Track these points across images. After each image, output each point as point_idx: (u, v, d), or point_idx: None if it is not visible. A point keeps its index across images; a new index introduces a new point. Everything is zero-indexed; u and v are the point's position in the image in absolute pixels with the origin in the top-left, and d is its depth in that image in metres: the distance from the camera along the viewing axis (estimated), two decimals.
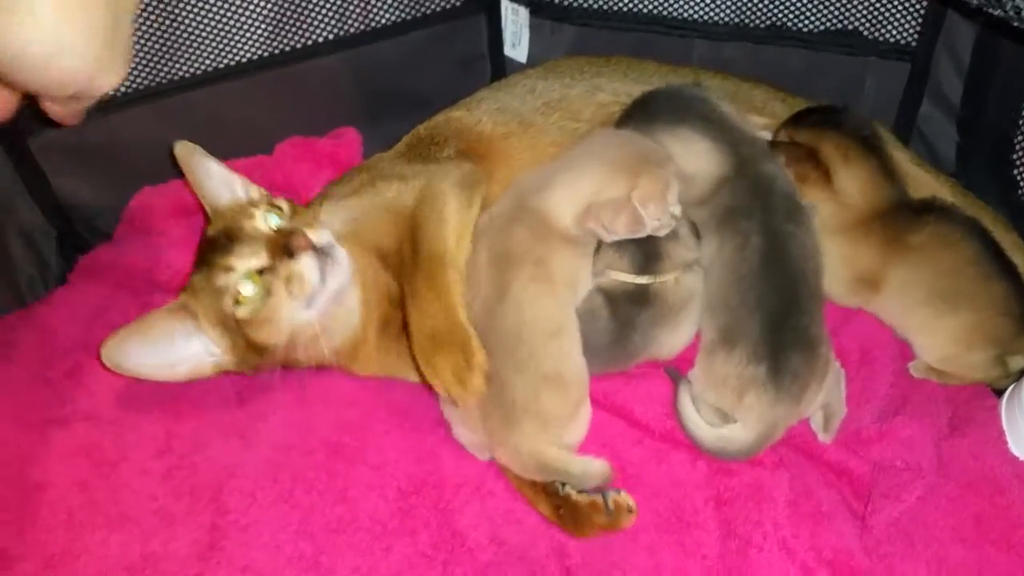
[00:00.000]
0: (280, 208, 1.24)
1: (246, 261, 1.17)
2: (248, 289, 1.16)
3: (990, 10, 0.93)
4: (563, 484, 1.17)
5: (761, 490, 1.19)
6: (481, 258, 1.25)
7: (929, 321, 1.32)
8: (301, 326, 1.20)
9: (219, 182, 1.30)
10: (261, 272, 1.17)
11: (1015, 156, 1.48)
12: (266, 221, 1.21)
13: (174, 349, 1.21)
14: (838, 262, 1.34)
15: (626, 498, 1.17)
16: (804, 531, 1.16)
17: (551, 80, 1.54)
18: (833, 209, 1.36)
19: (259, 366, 1.24)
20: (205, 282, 1.19)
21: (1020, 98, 1.44)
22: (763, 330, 1.18)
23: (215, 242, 1.20)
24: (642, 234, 1.23)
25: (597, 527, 1.15)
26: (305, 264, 1.17)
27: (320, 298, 1.20)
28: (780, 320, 1.18)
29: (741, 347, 1.18)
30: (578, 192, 1.25)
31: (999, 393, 1.31)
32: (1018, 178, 1.49)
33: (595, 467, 1.17)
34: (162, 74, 1.52)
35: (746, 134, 1.34)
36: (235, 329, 1.19)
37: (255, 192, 1.31)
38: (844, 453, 1.24)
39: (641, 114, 1.37)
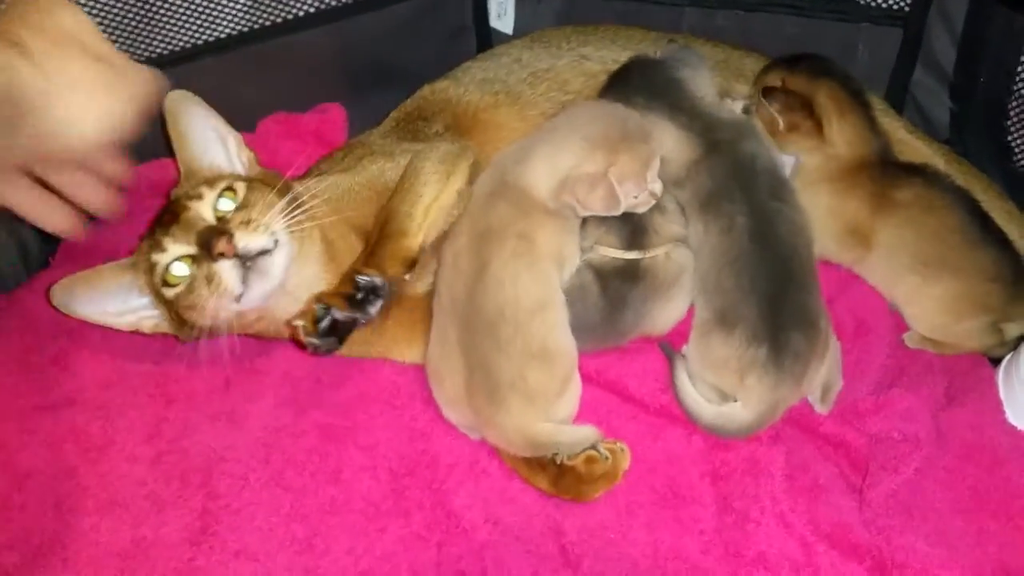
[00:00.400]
0: (234, 192, 1.21)
1: (178, 246, 1.17)
2: (179, 270, 1.17)
3: None
4: (556, 454, 1.16)
5: (758, 464, 1.18)
6: (462, 240, 1.23)
7: (916, 289, 1.32)
8: (231, 314, 1.18)
9: (206, 138, 1.29)
10: (194, 257, 1.16)
11: (1009, 123, 1.47)
12: (213, 207, 1.19)
13: (117, 301, 1.24)
14: (826, 215, 1.33)
15: (615, 442, 1.17)
16: (801, 505, 1.15)
17: (537, 50, 1.52)
18: (819, 160, 1.36)
19: (197, 337, 1.21)
20: (147, 251, 1.19)
21: (1014, 64, 1.42)
22: (761, 311, 1.16)
23: (164, 213, 1.20)
24: (617, 211, 1.22)
25: (600, 479, 1.15)
26: (223, 269, 1.15)
27: (246, 299, 1.18)
28: (778, 299, 1.17)
29: (740, 329, 1.16)
30: (556, 166, 1.24)
31: (996, 363, 1.31)
32: (1012, 145, 1.47)
33: (584, 433, 1.17)
34: (140, 50, 1.49)
35: (719, 118, 1.32)
36: (167, 302, 1.19)
37: (244, 156, 1.30)
38: (841, 425, 1.23)
39: (617, 93, 1.35)
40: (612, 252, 1.27)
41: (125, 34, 1.46)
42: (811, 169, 1.36)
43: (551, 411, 1.16)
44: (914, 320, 1.34)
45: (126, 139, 0.95)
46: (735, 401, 1.19)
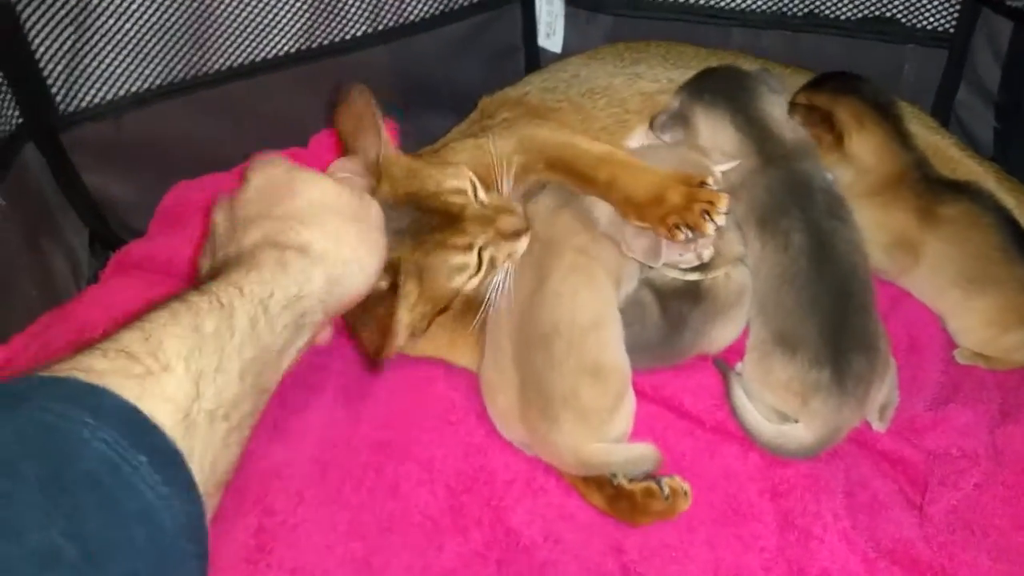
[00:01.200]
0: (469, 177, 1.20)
1: (476, 238, 1.15)
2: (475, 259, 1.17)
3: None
4: (614, 474, 1.16)
5: (818, 481, 1.17)
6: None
7: (960, 303, 1.32)
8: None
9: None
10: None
11: None
12: (479, 203, 1.19)
13: None
14: (873, 228, 1.34)
15: (680, 482, 1.15)
16: (862, 522, 1.14)
17: (594, 66, 1.53)
18: (852, 175, 1.37)
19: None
20: (429, 260, 1.15)
21: None
22: (822, 333, 1.16)
23: (422, 220, 1.15)
24: (656, 264, 1.22)
25: (654, 514, 1.14)
26: (525, 241, 1.19)
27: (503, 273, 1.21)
28: (839, 321, 1.17)
29: (802, 352, 1.16)
30: None
31: None
32: None
33: (640, 451, 1.16)
34: (197, 67, 1.50)
35: (780, 135, 1.33)
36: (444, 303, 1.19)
37: None
38: (898, 442, 1.22)
39: (695, 84, 1.38)
40: (674, 273, 1.27)
41: (183, 50, 1.48)
42: (848, 184, 1.37)
43: (605, 429, 1.15)
44: (959, 334, 1.34)
45: None
46: (796, 422, 1.19)
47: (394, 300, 1.08)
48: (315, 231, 0.92)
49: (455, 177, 1.17)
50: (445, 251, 1.14)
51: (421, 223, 1.13)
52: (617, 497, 1.15)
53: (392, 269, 1.08)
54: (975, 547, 1.11)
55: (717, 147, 1.33)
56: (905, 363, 1.30)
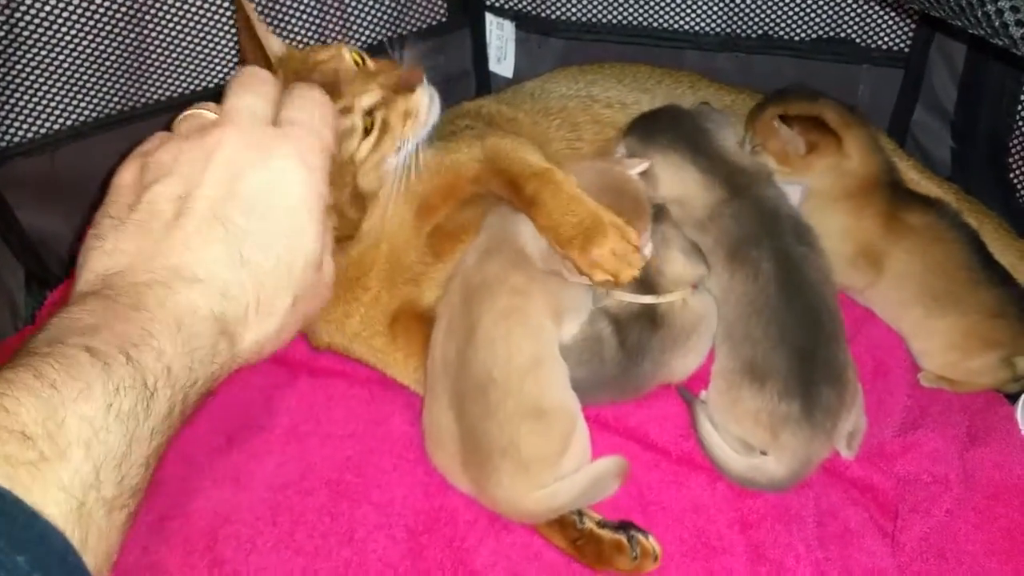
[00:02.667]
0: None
1: (362, 98, 1.09)
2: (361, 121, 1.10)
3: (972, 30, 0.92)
4: (580, 515, 1.12)
5: (788, 511, 1.15)
6: (455, 298, 1.19)
7: (922, 322, 1.31)
8: (387, 176, 1.16)
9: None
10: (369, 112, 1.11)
11: (1011, 160, 1.48)
12: (359, 58, 1.13)
13: None
14: (840, 237, 1.33)
15: (654, 543, 1.11)
16: (835, 552, 1.12)
17: (548, 88, 1.51)
18: (833, 179, 1.36)
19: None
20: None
21: (1014, 102, 1.43)
22: (791, 364, 1.14)
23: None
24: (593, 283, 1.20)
25: (617, 569, 1.10)
26: (422, 95, 1.14)
27: (412, 142, 1.16)
28: (808, 352, 1.15)
29: (771, 383, 1.14)
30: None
31: (1011, 398, 1.29)
32: (1015, 181, 1.48)
33: (592, 478, 1.13)
34: (135, 98, 1.45)
35: (740, 164, 1.32)
36: (347, 181, 1.12)
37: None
38: (867, 469, 1.20)
39: (642, 131, 1.35)
40: (627, 296, 1.24)
41: (120, 81, 1.42)
42: (825, 189, 1.36)
43: (550, 475, 1.11)
44: (922, 356, 1.33)
45: None
46: (763, 453, 1.16)
47: None
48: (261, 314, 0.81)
49: (324, 49, 1.12)
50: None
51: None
52: (582, 541, 1.11)
53: None
54: (948, 574, 1.09)
55: (678, 189, 1.31)
56: (871, 388, 1.29)
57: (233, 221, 0.79)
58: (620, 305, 1.25)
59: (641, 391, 1.26)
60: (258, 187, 0.81)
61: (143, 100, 1.46)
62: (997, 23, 0.87)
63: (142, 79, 1.44)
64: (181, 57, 1.46)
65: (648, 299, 1.24)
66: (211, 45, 1.48)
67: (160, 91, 1.47)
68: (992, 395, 1.31)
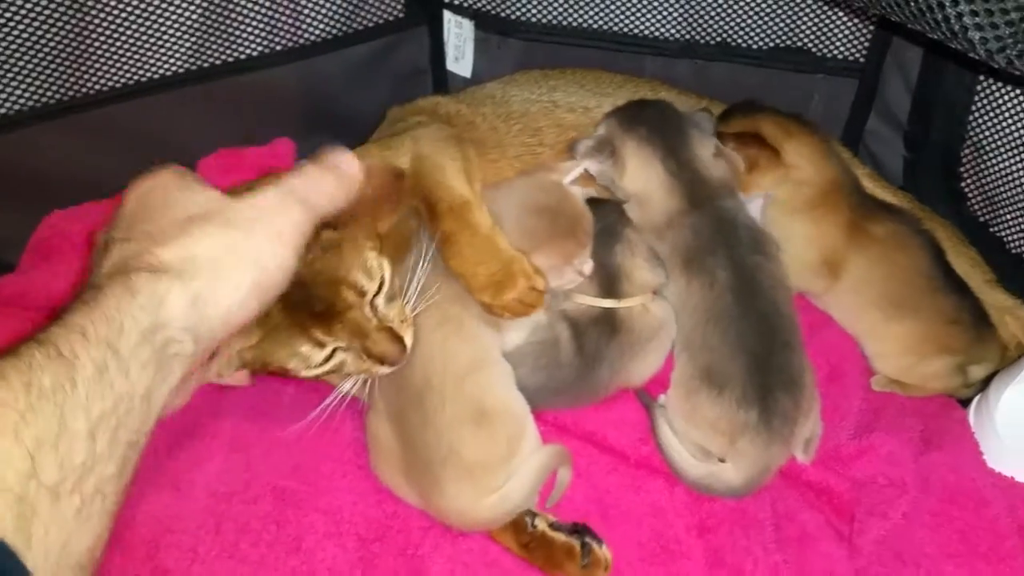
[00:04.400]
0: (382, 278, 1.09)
1: (338, 343, 1.05)
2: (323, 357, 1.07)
3: (930, 34, 0.93)
4: (533, 517, 1.10)
5: (746, 515, 1.15)
6: None
7: (877, 326, 1.32)
8: None
9: None
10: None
11: (962, 169, 1.50)
12: (370, 310, 1.06)
13: None
14: (803, 244, 1.33)
15: (605, 553, 1.09)
16: (792, 556, 1.11)
17: (510, 91, 1.49)
18: (791, 190, 1.35)
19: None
20: (282, 331, 1.04)
21: (966, 111, 1.45)
22: (749, 372, 1.14)
23: (311, 302, 1.03)
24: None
25: (567, 574, 1.08)
26: (385, 371, 1.10)
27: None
28: (764, 359, 1.15)
29: (729, 390, 1.14)
30: None
31: (964, 403, 1.30)
32: (966, 190, 1.50)
33: (544, 465, 1.11)
34: (75, 87, 1.40)
35: (707, 176, 1.31)
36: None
37: None
38: (824, 472, 1.20)
39: (626, 116, 1.35)
40: (588, 300, 1.23)
41: (61, 68, 1.37)
42: (786, 199, 1.36)
43: (498, 480, 1.08)
44: (878, 359, 1.34)
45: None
46: (722, 461, 1.16)
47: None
48: (172, 247, 0.77)
49: (367, 272, 1.05)
50: (302, 335, 1.04)
51: (304, 298, 1.01)
52: (533, 544, 1.09)
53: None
54: None
55: (640, 184, 1.30)
56: (826, 391, 1.28)
57: None
58: (579, 309, 1.24)
59: (599, 396, 1.25)
60: None
61: (85, 89, 1.41)
62: (957, 27, 0.88)
63: (84, 67, 1.39)
64: (127, 44, 1.41)
65: (609, 303, 1.23)
66: (160, 31, 1.43)
67: (104, 80, 1.42)
68: (944, 399, 1.33)
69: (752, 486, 1.15)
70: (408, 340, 1.09)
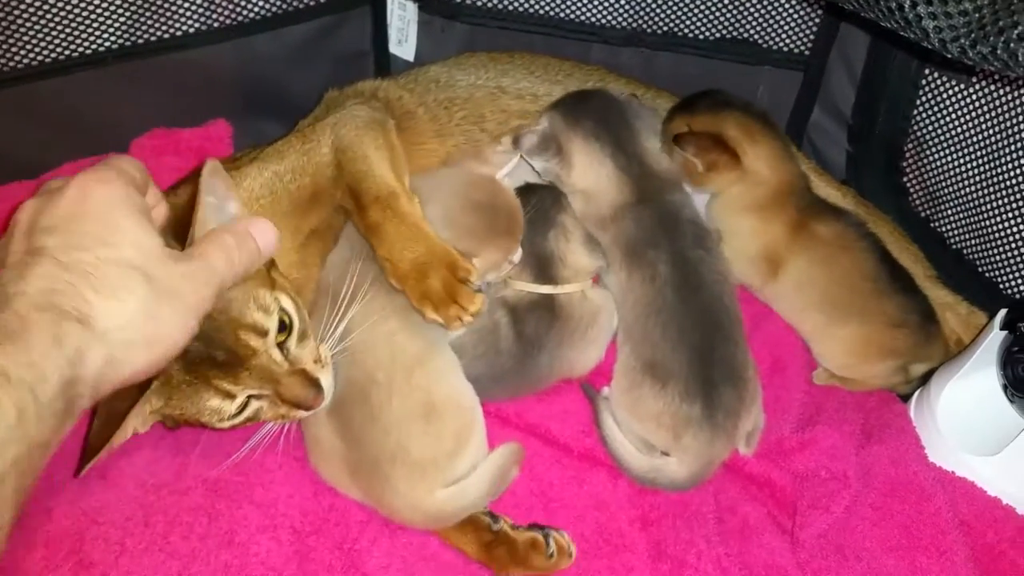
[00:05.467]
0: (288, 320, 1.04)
1: (248, 391, 1.01)
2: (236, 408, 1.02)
3: (882, 21, 0.93)
4: (494, 518, 1.08)
5: (688, 507, 1.15)
6: (323, 311, 1.14)
7: (822, 328, 1.32)
8: None
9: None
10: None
11: (904, 164, 1.51)
12: (278, 352, 1.02)
13: None
14: (747, 238, 1.34)
15: (568, 541, 1.08)
16: (734, 548, 1.11)
17: (456, 75, 1.45)
18: (743, 188, 1.35)
19: None
20: (186, 388, 1.00)
21: (910, 106, 1.46)
22: (691, 365, 1.14)
23: (211, 354, 0.99)
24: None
25: (532, 569, 1.06)
26: (303, 415, 1.07)
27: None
28: (707, 353, 1.15)
29: (672, 384, 1.13)
30: None
31: (904, 397, 1.31)
32: (907, 185, 1.52)
33: (495, 470, 1.09)
34: (2, 61, 1.33)
35: (656, 169, 1.31)
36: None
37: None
38: (766, 465, 1.20)
39: (569, 111, 1.32)
40: (525, 286, 1.22)
41: None
42: (736, 197, 1.35)
43: (448, 475, 1.06)
44: (821, 357, 1.34)
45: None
46: (666, 455, 1.15)
47: (134, 402, 0.97)
48: (104, 297, 0.77)
49: (263, 310, 1.01)
50: (208, 389, 1.00)
51: (203, 350, 0.97)
52: (495, 544, 1.07)
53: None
54: (848, 571, 1.09)
55: (590, 180, 1.29)
56: (769, 383, 1.29)
57: None
58: (518, 295, 1.23)
59: (540, 385, 1.24)
60: None
61: (11, 64, 1.36)
62: (911, 15, 0.88)
63: (9, 41, 1.33)
64: (55, 18, 1.35)
65: (546, 289, 1.22)
66: (90, 6, 1.38)
67: (30, 55, 1.37)
68: (885, 393, 1.33)
69: (696, 480, 1.15)
70: (326, 381, 1.05)
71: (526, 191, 1.28)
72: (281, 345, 1.02)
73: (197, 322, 0.86)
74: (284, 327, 1.02)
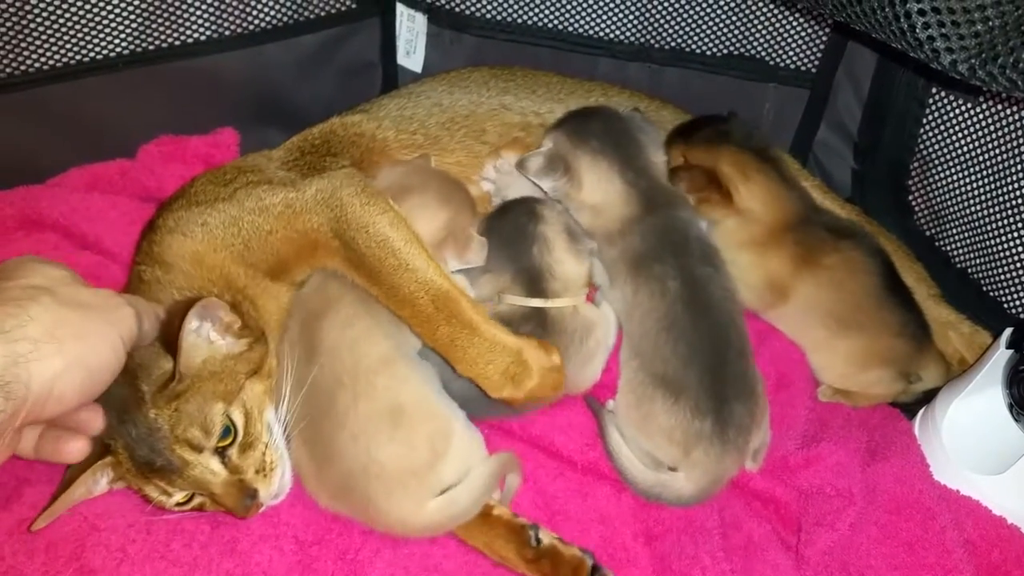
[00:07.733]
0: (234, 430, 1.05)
1: (184, 493, 1.04)
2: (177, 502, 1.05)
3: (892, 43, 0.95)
4: (535, 531, 1.08)
5: (693, 523, 1.14)
6: (293, 329, 1.15)
7: (824, 341, 1.33)
8: None
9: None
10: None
11: (910, 182, 1.52)
12: (217, 462, 1.03)
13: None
14: (748, 269, 1.33)
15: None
16: (739, 564, 1.11)
17: (458, 94, 1.45)
18: (738, 223, 1.35)
19: None
20: (132, 477, 1.04)
21: (916, 125, 1.47)
22: (703, 381, 1.13)
23: (150, 457, 1.01)
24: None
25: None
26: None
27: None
28: (718, 369, 1.15)
29: (684, 399, 1.12)
30: None
31: (908, 412, 1.31)
32: (912, 203, 1.52)
33: (493, 470, 1.09)
34: (10, 67, 1.34)
35: (661, 184, 1.32)
36: None
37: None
38: (771, 481, 1.20)
39: (574, 129, 1.33)
40: (517, 300, 1.22)
41: None
42: (730, 230, 1.35)
43: (434, 484, 1.05)
44: (820, 368, 1.35)
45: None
46: (673, 470, 1.15)
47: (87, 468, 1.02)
48: (9, 306, 0.86)
49: (202, 428, 1.01)
50: (148, 483, 1.03)
51: (145, 452, 1.00)
52: (538, 557, 1.07)
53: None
54: None
55: (599, 196, 1.29)
56: (774, 400, 1.29)
57: None
58: (510, 309, 1.23)
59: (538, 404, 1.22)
60: None
61: (22, 68, 1.36)
62: (922, 36, 0.88)
63: (20, 45, 1.34)
64: (66, 23, 1.36)
65: (537, 302, 1.22)
66: (102, 12, 1.39)
67: (40, 59, 1.37)
68: (889, 409, 1.33)
69: (703, 496, 1.14)
70: (266, 490, 1.05)
71: (501, 212, 1.30)
72: (224, 451, 1.03)
73: (117, 337, 0.93)
74: (229, 432, 1.03)
